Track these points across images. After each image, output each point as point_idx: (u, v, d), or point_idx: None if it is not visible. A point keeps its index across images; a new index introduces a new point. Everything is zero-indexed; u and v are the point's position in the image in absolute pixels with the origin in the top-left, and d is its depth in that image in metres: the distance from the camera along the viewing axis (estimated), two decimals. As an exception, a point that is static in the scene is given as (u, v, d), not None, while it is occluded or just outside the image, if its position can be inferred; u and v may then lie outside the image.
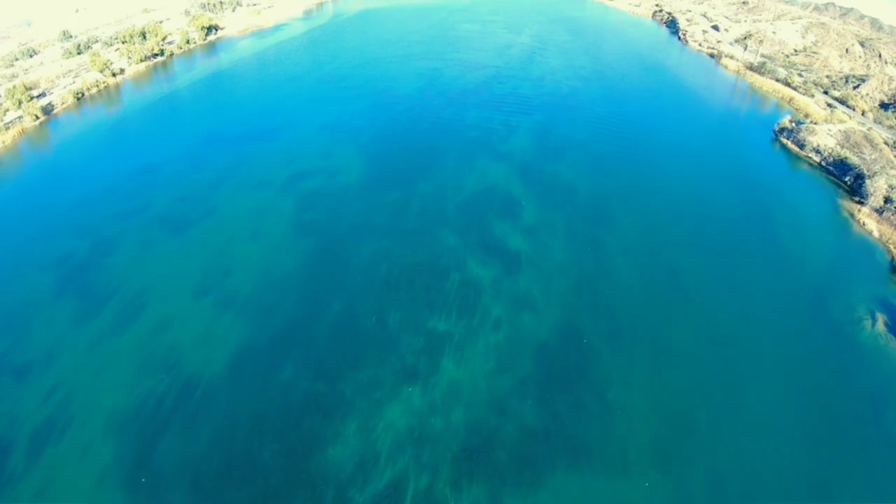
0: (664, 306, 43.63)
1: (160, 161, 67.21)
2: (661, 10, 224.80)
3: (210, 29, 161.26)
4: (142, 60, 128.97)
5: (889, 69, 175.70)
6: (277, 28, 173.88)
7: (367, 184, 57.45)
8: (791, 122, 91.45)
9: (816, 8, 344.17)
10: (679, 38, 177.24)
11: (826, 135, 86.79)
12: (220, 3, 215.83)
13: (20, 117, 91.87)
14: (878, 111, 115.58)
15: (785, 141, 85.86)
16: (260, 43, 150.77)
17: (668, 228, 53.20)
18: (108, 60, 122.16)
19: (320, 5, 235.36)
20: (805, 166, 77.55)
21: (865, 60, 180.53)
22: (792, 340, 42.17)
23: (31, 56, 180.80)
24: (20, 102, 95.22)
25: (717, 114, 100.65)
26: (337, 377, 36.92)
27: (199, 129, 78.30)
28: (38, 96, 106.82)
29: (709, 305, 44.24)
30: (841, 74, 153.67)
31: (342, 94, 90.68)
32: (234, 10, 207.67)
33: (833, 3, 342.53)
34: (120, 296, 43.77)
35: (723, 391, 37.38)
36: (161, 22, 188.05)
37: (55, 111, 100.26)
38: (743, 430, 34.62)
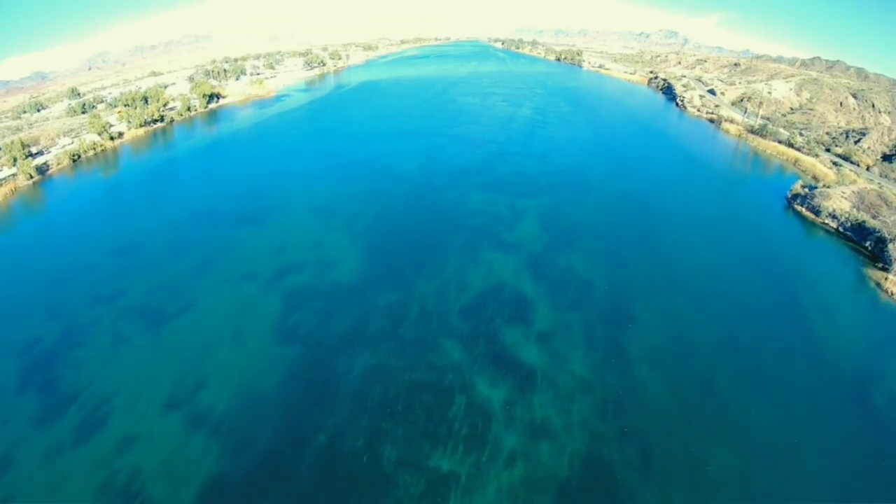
0: (698, 424, 38.08)
1: (144, 239, 64.36)
2: (656, 77, 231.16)
3: (212, 97, 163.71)
4: (141, 125, 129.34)
5: (883, 118, 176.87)
6: (279, 98, 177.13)
7: (361, 281, 52.90)
8: (803, 187, 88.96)
9: (804, 64, 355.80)
10: (677, 104, 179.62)
11: (840, 198, 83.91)
12: (224, 71, 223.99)
13: (14, 175, 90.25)
14: (882, 164, 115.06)
15: (799, 208, 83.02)
16: (260, 113, 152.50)
17: (693, 326, 48.36)
18: (107, 123, 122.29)
19: (322, 76, 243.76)
20: (823, 234, 74.46)
21: (860, 112, 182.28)
22: (838, 446, 36.98)
23: (38, 110, 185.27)
24: (15, 160, 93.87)
25: (725, 183, 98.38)
26: (324, 529, 31.14)
27: (188, 205, 75.86)
28: (36, 154, 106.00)
29: (745, 416, 38.92)
30: (840, 129, 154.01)
31: (338, 173, 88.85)
32: (237, 79, 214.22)
33: (819, 58, 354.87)
34: (84, 398, 39.07)
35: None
36: (166, 86, 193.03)
37: (50, 171, 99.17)
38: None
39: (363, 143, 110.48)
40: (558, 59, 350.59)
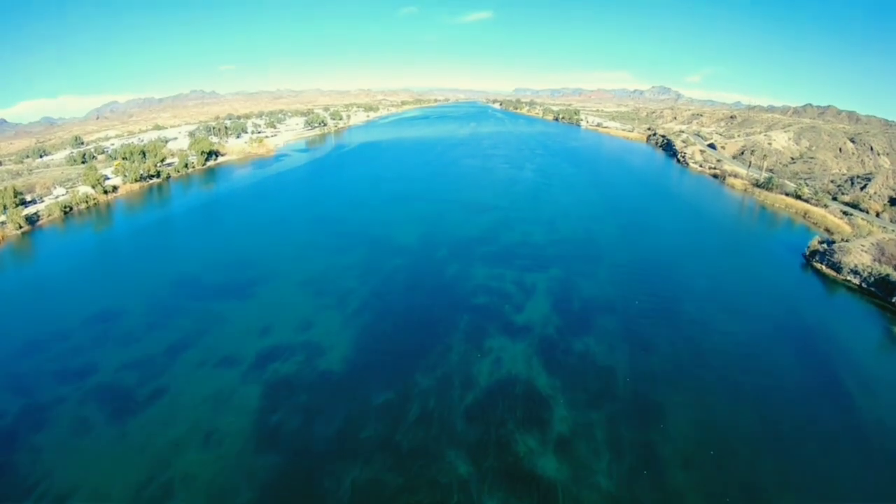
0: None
1: (123, 307, 60.86)
2: (654, 134, 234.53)
3: (210, 154, 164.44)
4: (137, 180, 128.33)
5: (883, 160, 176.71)
6: (278, 158, 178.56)
7: (354, 373, 47.64)
8: (820, 243, 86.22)
9: (796, 111, 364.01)
10: (678, 160, 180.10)
11: (860, 251, 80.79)
12: (226, 128, 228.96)
13: (3, 223, 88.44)
14: (891, 209, 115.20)
15: (819, 265, 79.75)
16: (258, 173, 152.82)
17: (729, 415, 43.05)
18: (102, 176, 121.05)
19: (323, 136, 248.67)
20: (846, 292, 70.87)
21: (859, 156, 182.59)
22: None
23: (41, 156, 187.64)
24: (5, 207, 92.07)
25: (739, 242, 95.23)
26: None
27: (171, 272, 72.50)
28: (29, 202, 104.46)
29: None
30: (843, 176, 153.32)
31: (333, 242, 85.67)
32: (238, 136, 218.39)
33: (810, 104, 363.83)
34: (39, 493, 33.98)
35: None
36: (167, 141, 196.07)
37: (41, 222, 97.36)
38: None
39: (361, 209, 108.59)
40: (556, 119, 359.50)
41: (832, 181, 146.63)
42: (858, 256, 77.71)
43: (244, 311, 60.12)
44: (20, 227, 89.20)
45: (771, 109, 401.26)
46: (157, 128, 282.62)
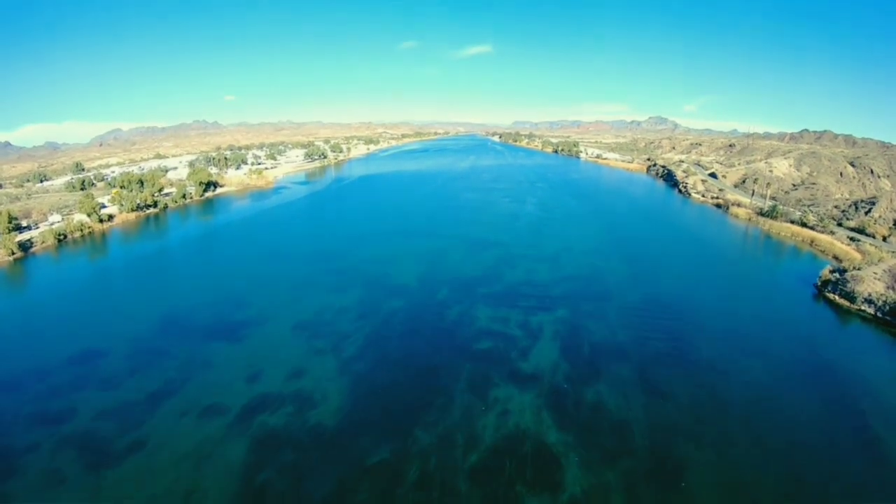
0: None
1: (105, 347, 58.26)
2: (654, 164, 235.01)
3: (209, 185, 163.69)
4: (133, 209, 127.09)
5: (883, 182, 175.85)
6: (277, 190, 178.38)
7: (348, 428, 44.24)
8: (832, 272, 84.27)
9: (793, 137, 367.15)
10: (679, 190, 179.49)
11: (873, 279, 78.48)
12: (226, 159, 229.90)
13: None
14: None
15: (831, 296, 77.59)
16: (257, 205, 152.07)
17: (755, 469, 39.69)
18: (98, 204, 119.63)
19: (323, 169, 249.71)
20: (861, 322, 68.49)
21: (860, 180, 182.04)
22: None
23: (41, 181, 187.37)
24: None
25: (747, 274, 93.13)
26: None
27: (160, 309, 69.83)
28: (24, 228, 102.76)
29: None
30: (847, 201, 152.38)
31: (329, 281, 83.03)
32: (237, 168, 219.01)
33: (807, 130, 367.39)
34: None
35: None
36: (167, 170, 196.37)
37: (34, 249, 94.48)
38: None
39: (359, 245, 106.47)
40: (556, 151, 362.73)
41: (836, 206, 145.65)
42: (872, 285, 75.44)
43: (233, 355, 57.12)
44: (13, 253, 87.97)
45: (768, 136, 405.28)
46: (159, 157, 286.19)
